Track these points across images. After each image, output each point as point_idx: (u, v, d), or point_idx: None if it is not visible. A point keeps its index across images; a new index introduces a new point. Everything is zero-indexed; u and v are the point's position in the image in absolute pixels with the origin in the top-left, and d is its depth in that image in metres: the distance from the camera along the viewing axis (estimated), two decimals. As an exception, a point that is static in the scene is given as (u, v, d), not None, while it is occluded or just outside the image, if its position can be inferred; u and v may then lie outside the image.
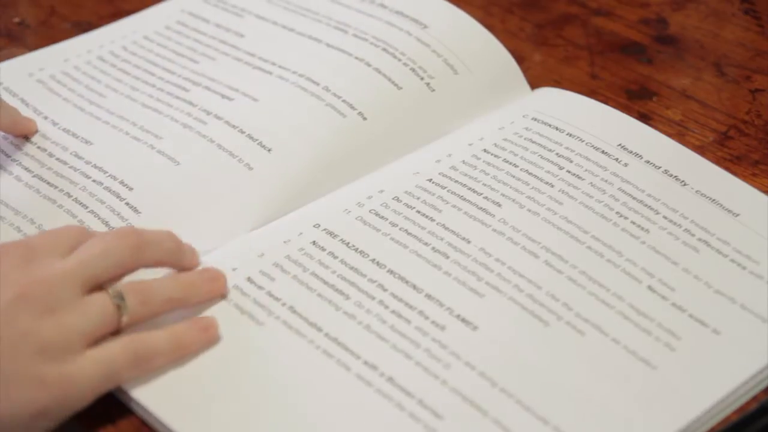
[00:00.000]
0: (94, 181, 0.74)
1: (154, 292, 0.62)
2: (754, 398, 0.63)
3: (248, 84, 0.80)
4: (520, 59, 0.83)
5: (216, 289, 0.65)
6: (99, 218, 0.72)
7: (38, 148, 0.77)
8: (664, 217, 0.70)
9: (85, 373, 0.58)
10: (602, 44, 0.88)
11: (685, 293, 0.66)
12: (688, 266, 0.67)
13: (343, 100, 0.78)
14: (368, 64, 0.81)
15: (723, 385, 0.61)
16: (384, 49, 0.81)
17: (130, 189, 0.73)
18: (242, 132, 0.77)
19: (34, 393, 0.57)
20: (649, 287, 0.66)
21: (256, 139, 0.76)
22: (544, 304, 0.65)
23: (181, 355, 0.62)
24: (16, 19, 0.92)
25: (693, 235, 0.69)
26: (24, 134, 0.77)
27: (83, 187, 0.73)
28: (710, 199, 0.71)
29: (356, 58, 0.81)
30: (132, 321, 0.61)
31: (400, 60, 0.81)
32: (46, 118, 0.79)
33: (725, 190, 0.72)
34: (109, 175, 0.74)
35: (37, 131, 0.78)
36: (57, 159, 0.76)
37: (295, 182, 0.74)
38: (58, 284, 0.58)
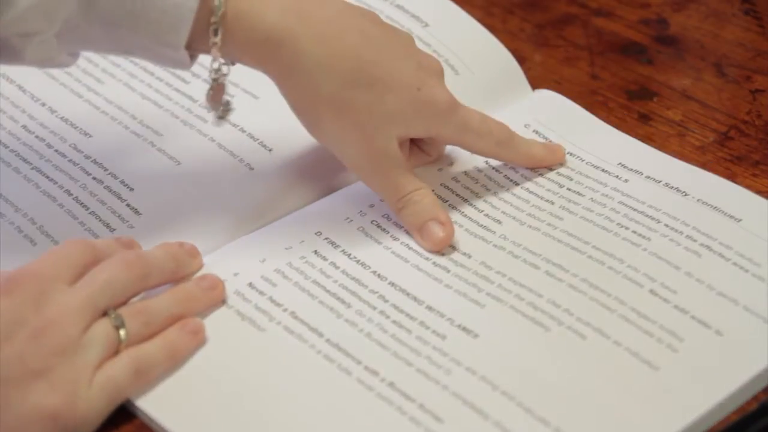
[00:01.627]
0: (94, 178, 0.74)
1: (155, 312, 0.63)
2: (755, 398, 0.62)
3: (248, 79, 0.80)
4: (520, 60, 0.83)
5: (215, 297, 0.66)
6: (100, 220, 0.72)
7: (36, 137, 0.77)
8: (666, 225, 0.70)
9: (94, 403, 0.59)
10: (602, 45, 0.88)
11: (688, 296, 0.66)
12: (691, 270, 0.67)
13: (344, 101, 0.78)
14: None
15: (726, 386, 0.61)
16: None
17: (131, 189, 0.73)
18: (243, 131, 0.76)
19: (47, 429, 0.57)
20: (651, 291, 0.66)
21: (257, 139, 0.76)
22: (546, 311, 0.65)
23: (176, 362, 0.63)
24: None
25: (695, 240, 0.69)
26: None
27: (83, 185, 0.73)
28: (712, 206, 0.71)
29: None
30: (133, 343, 0.61)
31: (400, 60, 0.81)
32: (43, 105, 0.79)
33: (727, 198, 0.72)
34: (109, 173, 0.74)
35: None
36: (56, 150, 0.76)
37: (296, 183, 0.74)
38: (69, 323, 0.59)
